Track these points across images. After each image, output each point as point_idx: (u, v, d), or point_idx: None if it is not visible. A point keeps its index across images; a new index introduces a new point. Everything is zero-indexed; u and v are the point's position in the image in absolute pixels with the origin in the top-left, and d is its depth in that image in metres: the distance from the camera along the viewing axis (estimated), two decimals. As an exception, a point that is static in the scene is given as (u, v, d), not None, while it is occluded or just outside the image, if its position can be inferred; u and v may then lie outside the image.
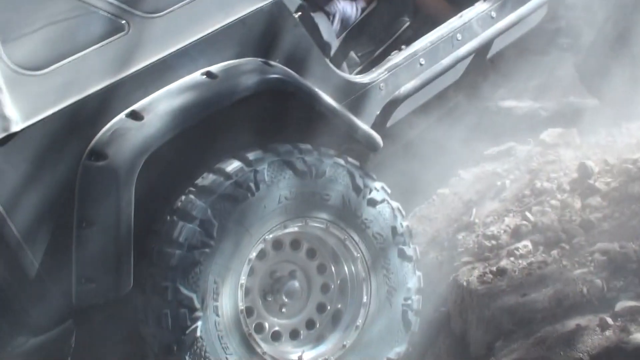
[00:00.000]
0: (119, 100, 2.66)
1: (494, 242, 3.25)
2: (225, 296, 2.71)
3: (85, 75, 2.60)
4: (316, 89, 2.96)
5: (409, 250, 3.02)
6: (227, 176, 2.70)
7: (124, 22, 2.67)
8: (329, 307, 3.01)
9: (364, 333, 2.97)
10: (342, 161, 2.89)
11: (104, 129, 2.62)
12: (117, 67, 2.65)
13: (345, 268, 2.98)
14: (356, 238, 2.92)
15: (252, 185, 2.70)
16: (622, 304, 2.58)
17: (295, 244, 2.95)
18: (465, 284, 3.04)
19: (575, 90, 4.33)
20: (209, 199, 2.66)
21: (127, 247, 2.58)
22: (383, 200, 2.96)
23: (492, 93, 4.33)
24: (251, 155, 2.76)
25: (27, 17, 2.54)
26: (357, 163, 2.97)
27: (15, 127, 2.47)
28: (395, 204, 3.02)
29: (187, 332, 2.64)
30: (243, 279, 2.77)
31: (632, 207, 3.06)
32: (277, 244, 2.91)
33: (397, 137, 3.50)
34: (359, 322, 2.97)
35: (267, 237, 2.80)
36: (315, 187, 2.81)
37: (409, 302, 3.03)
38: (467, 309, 3.03)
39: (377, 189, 2.95)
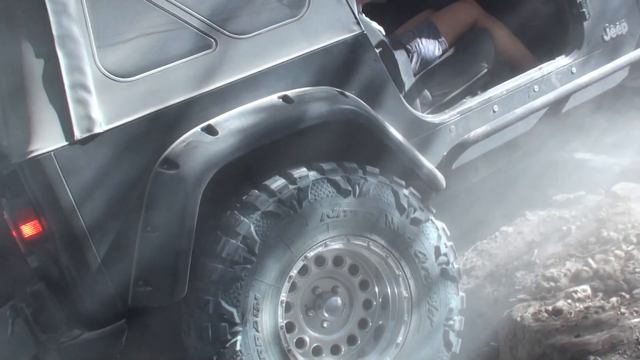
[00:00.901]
0: (197, 113, 2.72)
1: (552, 283, 3.20)
2: (266, 312, 2.74)
3: (169, 87, 2.68)
4: (387, 124, 2.98)
5: (452, 271, 3.01)
6: (271, 193, 2.73)
7: (212, 40, 2.75)
8: (370, 324, 3.00)
9: (405, 351, 2.95)
10: (387, 180, 2.90)
11: (179, 140, 2.69)
12: (200, 81, 2.73)
13: (387, 285, 2.98)
14: (398, 256, 2.92)
15: (295, 202, 2.72)
16: (677, 355, 2.54)
17: (338, 260, 2.96)
18: (518, 319, 2.99)
19: (652, 151, 4.28)
20: (253, 216, 2.69)
21: (186, 255, 2.62)
22: (427, 220, 2.96)
23: (563, 146, 4.34)
24: (296, 173, 2.78)
25: (122, 26, 2.64)
26: (402, 182, 2.96)
27: (98, 129, 2.56)
28: (440, 224, 3.01)
29: (227, 345, 2.67)
30: (284, 296, 2.79)
31: (697, 265, 3.02)
32: (319, 261, 2.91)
33: (462, 179, 3.49)
34: (400, 339, 2.96)
35: (308, 254, 2.81)
36: (358, 206, 2.82)
37: (451, 322, 3.01)
38: (517, 345, 2.98)
39: (422, 209, 2.95)
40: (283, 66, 2.85)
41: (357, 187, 2.82)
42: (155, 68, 2.67)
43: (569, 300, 3.02)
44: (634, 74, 3.91)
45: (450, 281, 3.02)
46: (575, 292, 3.05)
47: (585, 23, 3.59)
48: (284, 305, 2.80)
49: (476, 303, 3.47)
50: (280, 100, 2.80)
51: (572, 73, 3.58)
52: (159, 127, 2.68)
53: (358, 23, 3.00)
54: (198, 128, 2.71)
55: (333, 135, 2.91)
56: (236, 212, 2.73)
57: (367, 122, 2.91)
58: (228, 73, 2.77)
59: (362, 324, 3.02)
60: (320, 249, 2.84)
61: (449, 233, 3.05)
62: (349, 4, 2.98)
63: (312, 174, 2.79)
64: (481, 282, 3.54)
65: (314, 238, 2.79)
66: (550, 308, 2.99)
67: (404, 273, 2.95)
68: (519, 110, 3.41)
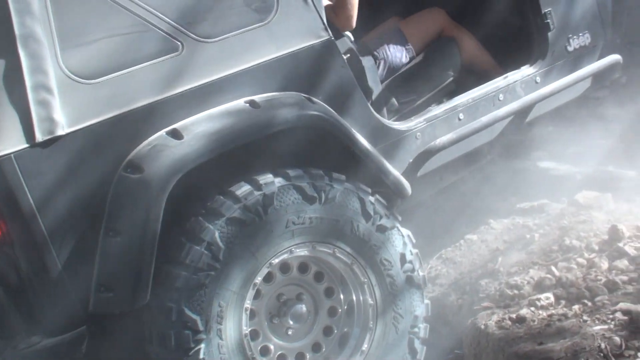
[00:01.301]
0: (162, 117, 2.67)
1: (516, 291, 3.21)
2: (230, 320, 2.70)
3: (134, 89, 2.63)
4: (353, 131, 2.97)
5: (417, 278, 3.00)
6: (237, 199, 2.69)
7: (178, 43, 2.70)
8: (335, 331, 2.98)
9: (369, 358, 2.94)
10: (353, 187, 2.88)
11: (143, 143, 2.64)
12: (165, 85, 2.68)
13: (353, 292, 2.96)
14: (364, 263, 2.90)
15: (260, 209, 2.70)
16: (639, 362, 2.56)
17: (303, 267, 2.93)
18: (482, 327, 2.98)
19: (615, 160, 4.34)
20: (218, 222, 2.66)
21: (148, 261, 2.57)
22: (393, 227, 2.95)
23: (527, 155, 4.38)
24: (261, 179, 2.75)
25: (87, 27, 2.57)
26: (368, 189, 2.94)
27: (61, 132, 2.49)
28: (405, 232, 3.00)
29: (190, 353, 2.63)
30: (248, 303, 2.75)
31: (659, 274, 3.06)
32: (284, 268, 2.89)
33: (427, 187, 3.49)
34: (365, 347, 2.94)
35: (273, 261, 2.78)
36: (324, 213, 2.80)
37: (416, 329, 3.00)
38: (482, 353, 2.97)
39: (388, 216, 2.94)
40: (250, 71, 2.82)
41: (323, 193, 2.80)
42: (120, 70, 2.61)
43: (532, 308, 3.03)
44: (597, 85, 3.94)
45: (415, 288, 3.01)
46: (539, 299, 3.06)
47: (549, 34, 3.63)
48: (248, 312, 2.77)
49: (441, 311, 3.47)
50: (247, 105, 2.77)
51: (537, 83, 3.62)
52: (123, 130, 2.63)
53: (326, 29, 2.98)
54: (163, 132, 2.67)
55: (300, 141, 2.89)
56: (201, 218, 2.69)
57: (334, 128, 2.90)
58: (194, 76, 2.73)
59: (327, 331, 2.99)
60: (285, 256, 2.82)
61: (414, 240, 3.05)
62: (317, 10, 2.96)
63: (278, 180, 2.76)
64: (446, 290, 3.55)
65: (279, 245, 2.76)
66: (513, 316, 2.99)
67: (370, 280, 2.93)
68: (484, 119, 3.42)
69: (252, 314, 2.82)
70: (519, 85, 3.57)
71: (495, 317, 3.04)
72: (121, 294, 2.58)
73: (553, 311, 2.99)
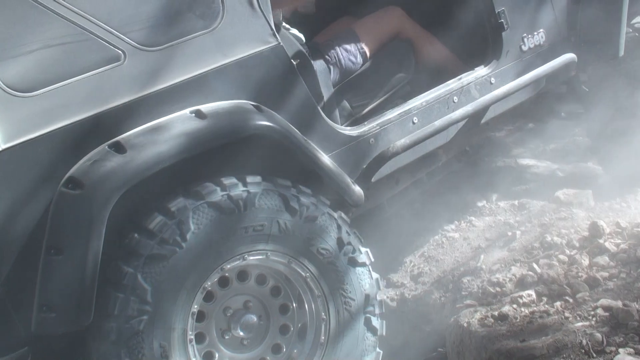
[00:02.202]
0: (104, 130, 2.58)
1: (498, 288, 3.23)
2: (176, 356, 2.62)
3: (74, 102, 2.51)
4: (303, 139, 2.90)
5: (359, 257, 2.92)
6: (151, 234, 2.57)
7: (120, 52, 2.59)
8: (292, 328, 2.92)
9: (330, 348, 2.90)
10: (271, 185, 2.77)
11: (85, 158, 2.53)
12: (107, 96, 2.57)
13: (299, 289, 2.88)
14: (301, 259, 2.82)
15: (178, 238, 2.57)
16: (620, 358, 2.57)
17: (243, 275, 2.84)
18: (465, 325, 2.99)
19: (594, 157, 4.37)
20: (138, 263, 2.53)
21: (91, 280, 2.47)
22: (323, 214, 2.85)
23: (486, 156, 4.38)
24: (172, 205, 2.62)
25: (23, 37, 2.45)
26: (288, 183, 2.83)
27: None
28: (336, 213, 2.91)
29: None
30: (191, 334, 2.67)
31: (638, 269, 3.02)
32: (222, 283, 2.79)
33: (383, 191, 3.46)
34: (323, 338, 2.89)
35: (206, 284, 2.69)
36: (247, 221, 2.70)
37: (370, 308, 2.94)
38: (464, 351, 2.98)
39: (315, 205, 2.84)
40: (196, 79, 2.73)
41: (240, 202, 2.68)
42: (58, 82, 2.49)
43: (515, 305, 3.04)
44: (552, 84, 3.90)
45: (360, 267, 2.93)
46: (521, 297, 3.07)
47: (503, 33, 3.56)
48: (193, 342, 2.69)
49: (423, 309, 3.49)
50: (193, 115, 2.68)
51: (491, 84, 3.55)
52: (64, 145, 2.51)
53: (274, 35, 2.90)
54: (105, 145, 2.56)
55: (250, 149, 2.83)
56: (120, 262, 2.56)
57: (282, 137, 2.82)
58: (137, 87, 2.62)
59: (284, 329, 2.93)
60: (218, 274, 2.73)
61: (348, 220, 2.97)
62: (264, 16, 2.88)
63: (190, 203, 2.64)
64: (428, 288, 3.56)
65: (208, 267, 2.66)
66: (496, 313, 3.00)
67: (312, 274, 2.85)
68: (439, 122, 3.36)
69: (200, 339, 2.75)
70: (473, 86, 3.51)
71: (477, 315, 3.04)
72: (63, 314, 2.48)
73: (535, 308, 3.00)
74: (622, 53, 3.77)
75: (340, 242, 2.89)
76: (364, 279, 2.94)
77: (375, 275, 2.98)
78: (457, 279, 3.47)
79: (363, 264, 2.95)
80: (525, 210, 3.86)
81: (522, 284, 3.21)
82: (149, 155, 2.55)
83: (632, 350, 2.58)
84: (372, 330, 2.97)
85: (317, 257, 2.84)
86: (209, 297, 2.76)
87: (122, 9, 2.61)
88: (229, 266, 2.73)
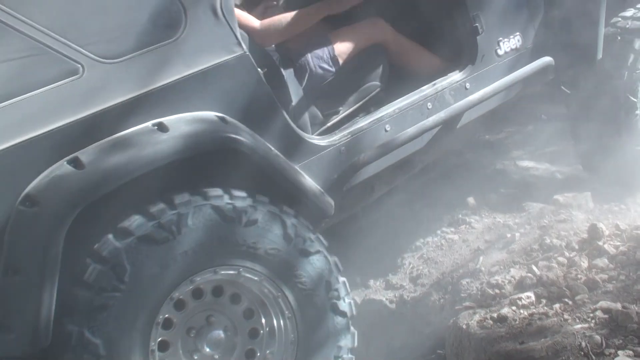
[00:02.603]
0: (63, 145, 2.48)
1: (497, 290, 3.22)
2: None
3: (31, 117, 2.43)
4: (270, 150, 2.82)
5: (311, 246, 2.79)
6: (102, 259, 2.46)
7: (78, 65, 2.50)
8: (258, 354, 2.82)
9: (302, 343, 2.81)
10: (201, 201, 2.63)
11: (42, 174, 2.45)
12: (66, 110, 2.48)
13: (254, 290, 2.78)
14: (279, 283, 2.74)
15: (122, 268, 2.46)
16: (619, 360, 2.58)
17: (197, 293, 2.73)
18: (464, 327, 2.98)
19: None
20: (91, 290, 2.43)
21: (49, 300, 2.39)
22: (317, 252, 2.78)
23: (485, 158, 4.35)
24: (127, 223, 2.52)
25: None
26: (291, 211, 2.77)
27: None
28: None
29: None
30: (153, 345, 2.58)
31: (638, 272, 3.01)
32: (179, 306, 2.69)
33: (357, 200, 3.39)
34: (293, 336, 2.80)
35: (160, 318, 2.58)
36: (237, 234, 2.63)
37: (334, 293, 2.84)
38: (463, 353, 2.97)
39: (312, 240, 2.78)
40: (159, 91, 2.63)
41: (173, 227, 2.56)
42: (14, 97, 2.41)
43: (514, 307, 3.03)
44: (530, 88, 3.79)
45: (314, 255, 2.80)
46: (520, 299, 3.06)
47: (478, 37, 3.46)
48: (155, 354, 2.59)
49: (422, 311, 3.49)
50: (155, 128, 2.59)
51: (466, 89, 3.45)
52: (20, 161, 2.42)
53: (239, 44, 2.79)
54: (63, 161, 2.47)
55: (216, 161, 2.76)
56: (75, 287, 2.45)
57: (247, 149, 2.72)
58: (97, 100, 2.52)
59: (254, 333, 2.84)
60: (177, 293, 2.63)
61: (291, 211, 2.82)
62: (229, 25, 2.78)
63: (141, 222, 2.54)
64: (427, 290, 3.56)
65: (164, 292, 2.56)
66: (495, 315, 2.99)
67: (265, 275, 2.74)
68: (412, 129, 3.25)
69: (164, 346, 2.66)
70: (447, 92, 3.41)
71: (477, 317, 3.03)
72: (21, 336, 2.40)
73: (534, 310, 2.99)
74: (600, 55, 3.70)
75: (287, 237, 2.75)
76: (320, 267, 2.82)
77: (332, 258, 2.86)
78: (456, 281, 3.46)
79: (317, 252, 2.81)
80: (525, 212, 3.86)
81: (521, 286, 3.20)
82: (108, 171, 2.47)
83: (631, 352, 2.57)
84: (341, 314, 2.87)
85: (265, 257, 2.72)
86: (167, 325, 2.66)
87: (79, 22, 2.53)
88: (198, 279, 2.64)
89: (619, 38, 3.79)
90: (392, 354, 3.48)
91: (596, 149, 3.90)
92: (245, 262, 2.68)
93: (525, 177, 4.34)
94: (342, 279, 2.88)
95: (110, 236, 2.50)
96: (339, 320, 2.85)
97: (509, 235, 3.66)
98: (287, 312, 2.78)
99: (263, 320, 2.83)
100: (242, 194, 2.73)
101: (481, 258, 3.54)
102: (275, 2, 3.53)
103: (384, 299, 3.70)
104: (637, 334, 2.67)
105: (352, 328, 2.89)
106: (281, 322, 2.81)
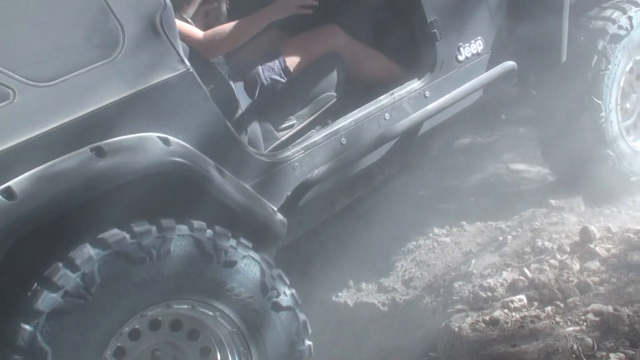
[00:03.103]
0: None
1: (489, 293, 3.22)
2: None
3: None
4: (217, 172, 2.70)
5: (233, 255, 2.65)
6: (56, 287, 2.35)
7: (8, 90, 2.34)
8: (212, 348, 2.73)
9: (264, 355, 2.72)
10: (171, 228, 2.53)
11: None
12: None
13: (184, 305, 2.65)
14: (214, 297, 2.62)
15: (82, 291, 2.37)
16: (611, 363, 2.58)
17: (155, 324, 2.64)
18: (456, 330, 2.98)
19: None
20: (38, 321, 2.31)
21: None
22: (245, 257, 2.67)
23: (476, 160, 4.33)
24: (77, 257, 2.39)
25: None
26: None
27: None
28: (257, 255, 2.70)
29: None
30: None
31: (629, 274, 3.03)
32: (133, 335, 2.59)
33: (317, 213, 3.32)
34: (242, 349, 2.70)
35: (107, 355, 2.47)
36: (159, 272, 2.49)
37: (279, 298, 2.73)
38: (456, 356, 2.96)
39: (235, 248, 2.65)
40: (97, 114, 2.48)
41: (153, 251, 2.48)
42: None
43: (506, 310, 3.03)
44: (493, 93, 3.70)
45: (241, 263, 2.67)
46: (512, 301, 3.06)
47: (437, 44, 3.34)
48: None
49: (415, 314, 3.48)
50: (93, 153, 2.45)
51: (426, 97, 3.34)
52: None
53: (182, 60, 2.66)
54: None
55: (164, 185, 2.63)
56: (19, 320, 2.33)
57: (192, 173, 2.62)
58: (31, 126, 2.37)
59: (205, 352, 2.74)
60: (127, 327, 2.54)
61: (215, 229, 2.69)
62: (170, 41, 2.64)
63: (96, 252, 2.42)
64: (420, 293, 3.55)
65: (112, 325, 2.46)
66: (487, 318, 2.99)
67: (198, 300, 2.63)
68: (369, 142, 3.15)
69: None
70: (406, 101, 3.29)
71: (469, 320, 3.04)
72: None
73: (526, 313, 2.99)
74: (564, 58, 3.63)
75: (207, 255, 2.61)
76: (250, 272, 2.69)
77: (257, 256, 2.72)
78: (448, 284, 3.46)
79: (243, 257, 2.68)
80: (517, 215, 3.86)
81: (513, 288, 3.20)
82: (42, 202, 2.35)
83: (622, 355, 2.57)
84: (284, 308, 2.76)
85: (196, 285, 2.60)
86: (119, 353, 2.57)
87: (8, 44, 2.38)
88: (149, 314, 2.56)
89: (582, 38, 3.74)
90: (385, 356, 3.48)
91: (562, 151, 3.88)
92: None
93: (517, 179, 4.36)
94: (276, 272, 2.77)
95: (87, 245, 2.42)
96: (285, 315, 2.76)
97: (501, 238, 3.66)
98: (210, 313, 2.67)
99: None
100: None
101: (473, 261, 3.54)
102: (216, 4, 3.37)
103: (376, 302, 3.70)
104: (629, 336, 2.67)
105: (300, 315, 2.79)
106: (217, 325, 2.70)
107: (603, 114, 3.76)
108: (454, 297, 3.34)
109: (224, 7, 3.38)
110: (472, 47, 3.50)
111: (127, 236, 2.47)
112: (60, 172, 2.40)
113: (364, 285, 3.85)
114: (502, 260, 3.47)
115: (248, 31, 3.15)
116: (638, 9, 3.83)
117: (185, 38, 2.94)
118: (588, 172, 3.85)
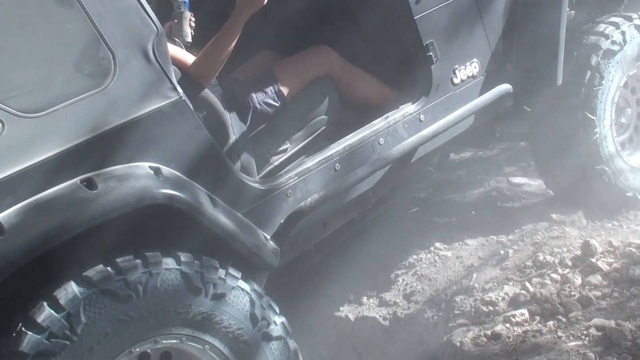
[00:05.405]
0: None
1: (491, 307, 3.21)
2: None
3: None
4: (209, 202, 2.66)
5: (223, 287, 2.62)
6: (41, 329, 2.30)
7: None
8: None
9: None
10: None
11: None
12: None
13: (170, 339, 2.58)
14: (203, 331, 2.58)
15: (68, 332, 2.33)
16: (613, 378, 2.57)
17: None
18: (458, 344, 2.97)
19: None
20: None
21: None
22: (234, 288, 2.63)
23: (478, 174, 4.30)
24: (61, 296, 2.34)
25: None
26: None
27: None
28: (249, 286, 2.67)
29: None
30: None
31: (631, 289, 3.02)
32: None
33: (310, 236, 3.28)
34: None
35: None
36: (143, 308, 2.44)
37: (265, 330, 2.69)
38: (457, 370, 3.01)
39: (223, 279, 2.61)
40: (88, 144, 2.44)
41: (139, 287, 2.45)
42: None
43: (507, 325, 3.02)
44: (488, 116, 3.65)
45: (231, 294, 2.64)
46: (514, 316, 3.05)
47: (432, 67, 3.30)
48: None
49: (416, 328, 3.47)
50: (83, 185, 2.41)
51: (421, 121, 3.29)
52: None
53: (174, 88, 2.61)
54: None
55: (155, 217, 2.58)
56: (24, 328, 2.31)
57: (183, 204, 2.57)
58: (20, 158, 2.33)
59: None
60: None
61: (196, 260, 2.63)
62: (163, 69, 2.59)
63: (81, 291, 2.38)
64: (421, 307, 3.54)
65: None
66: (489, 332, 2.98)
67: (187, 335, 2.58)
68: (364, 168, 3.11)
69: None
70: (401, 125, 3.24)
71: (470, 334, 3.03)
72: None
73: (528, 327, 2.98)
74: (560, 81, 3.59)
75: (195, 289, 2.57)
76: (240, 303, 2.66)
77: (247, 285, 2.69)
78: (449, 298, 3.45)
79: (232, 289, 2.64)
80: (518, 229, 3.85)
81: (514, 303, 3.19)
82: (31, 236, 2.30)
83: (625, 370, 2.57)
84: (275, 338, 2.73)
85: (184, 319, 2.55)
86: None
87: None
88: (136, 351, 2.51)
89: (575, 54, 3.72)
90: (386, 371, 3.47)
91: (557, 168, 3.86)
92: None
93: (518, 193, 4.35)
94: (265, 300, 2.73)
95: (72, 283, 2.38)
96: (276, 345, 2.73)
97: (502, 252, 3.65)
98: (200, 347, 2.61)
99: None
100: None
101: (475, 275, 3.53)
102: (176, 20, 3.24)
103: (377, 316, 3.69)
104: (631, 351, 2.66)
105: (291, 344, 2.77)
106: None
107: (597, 129, 3.73)
108: (456, 312, 3.32)
109: (185, 24, 3.24)
110: (468, 70, 3.45)
111: (113, 272, 2.42)
112: (50, 205, 2.35)
113: (365, 299, 3.84)
114: (503, 274, 3.45)
115: (229, 39, 2.94)
116: (631, 23, 3.81)
117: (177, 63, 2.87)
118: (584, 188, 3.83)
